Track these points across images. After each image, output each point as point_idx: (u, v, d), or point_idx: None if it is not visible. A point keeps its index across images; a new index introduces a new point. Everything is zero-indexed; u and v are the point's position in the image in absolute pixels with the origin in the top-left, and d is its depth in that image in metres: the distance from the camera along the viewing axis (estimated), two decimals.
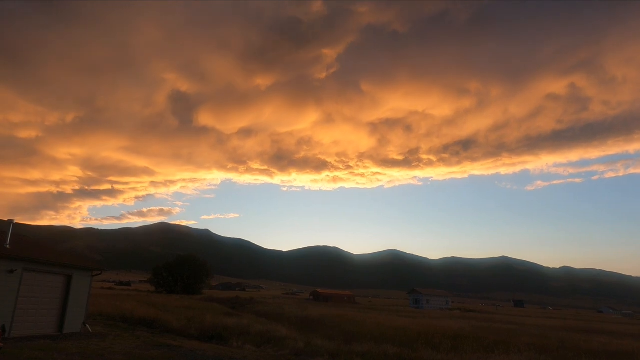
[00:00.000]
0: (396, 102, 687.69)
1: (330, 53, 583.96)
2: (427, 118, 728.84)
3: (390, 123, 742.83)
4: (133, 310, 23.84)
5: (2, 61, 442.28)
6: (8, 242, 14.12)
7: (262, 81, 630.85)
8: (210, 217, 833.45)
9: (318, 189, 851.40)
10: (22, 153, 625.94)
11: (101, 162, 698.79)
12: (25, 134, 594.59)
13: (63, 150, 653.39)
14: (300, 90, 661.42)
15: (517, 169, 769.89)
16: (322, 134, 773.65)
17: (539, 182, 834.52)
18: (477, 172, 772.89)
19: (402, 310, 60.25)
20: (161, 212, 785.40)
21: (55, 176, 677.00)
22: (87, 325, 16.64)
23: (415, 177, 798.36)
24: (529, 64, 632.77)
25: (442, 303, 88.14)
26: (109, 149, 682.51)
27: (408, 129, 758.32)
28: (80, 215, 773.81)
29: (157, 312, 24.54)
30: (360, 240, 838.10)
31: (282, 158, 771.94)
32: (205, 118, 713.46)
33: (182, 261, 69.30)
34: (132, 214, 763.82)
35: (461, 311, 73.06)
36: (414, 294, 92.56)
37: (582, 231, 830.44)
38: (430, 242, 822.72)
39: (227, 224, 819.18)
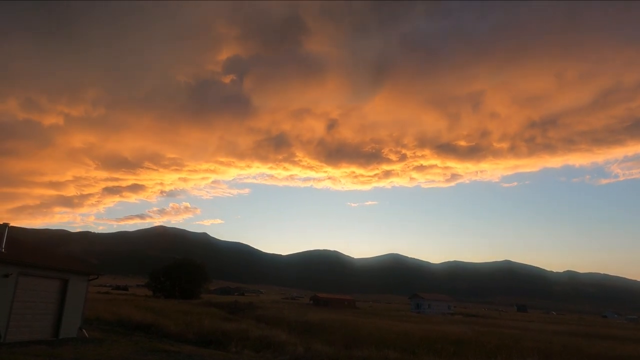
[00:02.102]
0: (484, 68, 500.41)
1: None
2: (512, 92, 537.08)
3: (461, 100, 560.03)
4: (130, 315, 23.68)
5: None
6: (3, 246, 13.97)
7: (332, 40, 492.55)
8: (239, 217, 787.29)
9: (355, 188, 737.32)
10: (37, 144, 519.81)
11: (126, 151, 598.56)
12: (38, 117, 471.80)
13: (80, 138, 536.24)
14: (374, 52, 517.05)
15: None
16: (382, 114, 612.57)
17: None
18: (549, 166, 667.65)
19: (403, 315, 59.80)
20: (186, 210, 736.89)
21: (73, 169, 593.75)
22: (84, 330, 16.45)
23: (480, 171, 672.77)
24: None
25: (444, 308, 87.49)
26: (136, 135, 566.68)
27: (477, 107, 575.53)
28: (96, 213, 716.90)
29: (155, 316, 24.35)
30: (360, 243, 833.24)
31: (326, 145, 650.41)
32: (257, 93, 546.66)
33: (179, 265, 68.83)
34: (154, 212, 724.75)
35: (463, 316, 72.58)
36: (415, 299, 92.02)
37: (586, 234, 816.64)
38: (432, 246, 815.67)
39: (225, 227, 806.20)
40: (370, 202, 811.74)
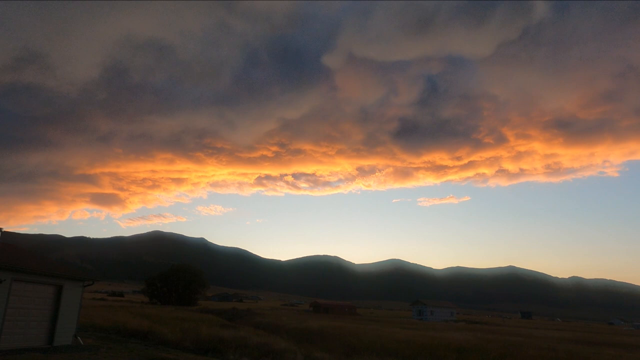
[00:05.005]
0: None
1: None
2: None
3: (600, 61, 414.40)
4: (126, 322, 23.42)
5: None
6: None
7: None
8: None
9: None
10: (63, 130, 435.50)
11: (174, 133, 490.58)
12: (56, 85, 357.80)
13: (114, 122, 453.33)
14: None
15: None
16: (489, 79, 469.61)
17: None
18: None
19: (405, 322, 59.17)
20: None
21: (104, 161, 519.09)
22: (79, 338, 16.19)
23: (597, 162, 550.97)
24: None
25: (447, 315, 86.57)
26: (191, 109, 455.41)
27: (622, 69, 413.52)
28: (130, 207, 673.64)
29: (151, 323, 24.02)
30: (361, 249, 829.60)
31: (411, 122, 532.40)
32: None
33: (176, 271, 68.42)
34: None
35: (466, 323, 71.74)
36: (417, 305, 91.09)
37: (591, 239, 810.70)
38: (434, 252, 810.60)
39: (223, 232, 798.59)
40: (436, 201, 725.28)
